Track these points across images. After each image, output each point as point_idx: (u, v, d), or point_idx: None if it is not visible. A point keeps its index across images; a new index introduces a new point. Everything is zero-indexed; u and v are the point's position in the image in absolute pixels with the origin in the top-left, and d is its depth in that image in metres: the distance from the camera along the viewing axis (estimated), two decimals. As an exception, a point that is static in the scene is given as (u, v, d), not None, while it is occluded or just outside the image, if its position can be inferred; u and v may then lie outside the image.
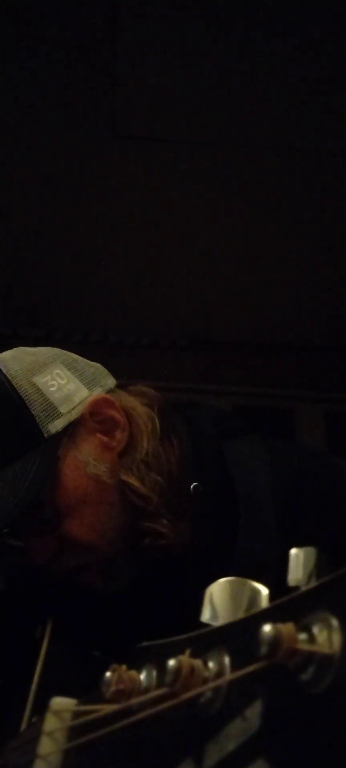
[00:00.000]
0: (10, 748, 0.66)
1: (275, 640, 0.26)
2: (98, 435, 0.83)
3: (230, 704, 0.28)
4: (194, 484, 0.81)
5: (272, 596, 0.33)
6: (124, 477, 0.80)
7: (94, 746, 0.37)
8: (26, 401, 0.81)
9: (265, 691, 0.27)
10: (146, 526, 0.79)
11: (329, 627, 0.26)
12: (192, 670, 0.30)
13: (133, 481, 0.80)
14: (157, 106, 2.04)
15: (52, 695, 0.48)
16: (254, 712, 0.27)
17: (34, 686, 0.73)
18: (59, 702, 0.46)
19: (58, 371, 0.85)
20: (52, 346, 0.92)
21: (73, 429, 0.82)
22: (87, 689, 0.49)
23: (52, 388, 0.83)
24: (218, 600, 0.35)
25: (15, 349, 0.89)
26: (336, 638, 0.26)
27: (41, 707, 0.57)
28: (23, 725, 0.68)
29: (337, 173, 2.22)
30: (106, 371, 0.90)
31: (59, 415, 0.81)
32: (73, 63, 1.93)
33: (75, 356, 0.89)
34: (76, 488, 0.80)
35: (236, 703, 0.28)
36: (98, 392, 0.85)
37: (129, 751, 0.34)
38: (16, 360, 0.85)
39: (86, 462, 0.81)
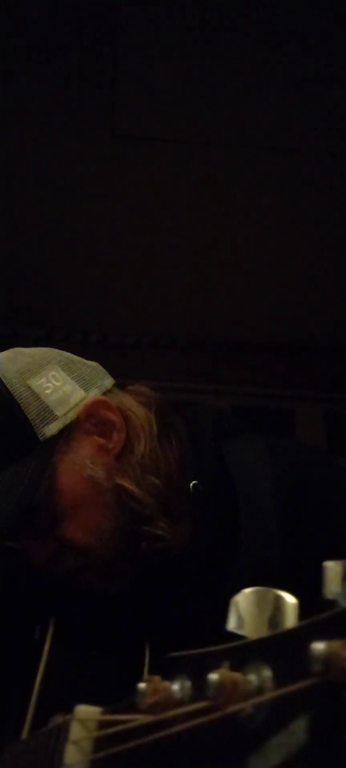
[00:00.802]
0: (13, 752, 0.65)
1: (330, 657, 0.26)
2: (95, 437, 0.82)
3: (275, 718, 0.28)
4: (194, 482, 0.81)
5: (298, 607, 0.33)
6: (119, 480, 0.80)
7: (124, 758, 0.37)
8: (21, 405, 0.80)
9: (312, 707, 0.27)
10: (143, 530, 0.78)
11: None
12: (235, 683, 0.30)
13: (129, 485, 0.79)
14: (158, 106, 2.04)
15: (53, 697, 0.48)
16: (300, 727, 0.27)
17: (36, 689, 0.73)
18: (84, 710, 0.45)
19: (53, 373, 0.84)
20: (52, 346, 0.92)
21: (69, 431, 0.81)
22: (88, 691, 0.49)
23: (48, 391, 0.82)
24: (244, 609, 0.35)
25: (11, 350, 0.88)
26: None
27: (43, 710, 0.56)
28: (26, 729, 0.68)
29: (337, 173, 2.22)
30: (103, 371, 0.89)
31: (55, 418, 0.81)
32: (73, 63, 1.93)
33: (72, 356, 0.88)
34: (73, 491, 0.80)
35: (281, 717, 0.28)
36: (95, 393, 0.85)
37: (163, 765, 0.33)
38: (12, 362, 0.84)
39: (82, 464, 0.81)
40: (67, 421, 0.81)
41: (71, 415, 0.82)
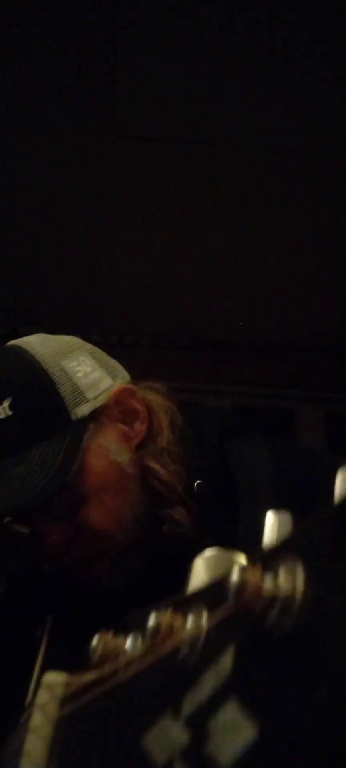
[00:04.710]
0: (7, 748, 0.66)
1: (241, 584, 0.28)
2: (119, 424, 0.85)
3: (206, 656, 0.30)
4: (198, 483, 0.82)
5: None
6: (149, 463, 0.82)
7: (83, 714, 0.38)
8: (56, 384, 0.82)
9: (235, 638, 0.29)
10: (166, 513, 0.80)
11: (293, 572, 0.28)
12: (171, 627, 0.31)
13: (159, 468, 0.81)
14: (158, 106, 2.04)
15: None
16: (225, 659, 0.29)
17: (32, 686, 0.73)
18: (52, 676, 0.46)
19: (83, 358, 0.87)
20: None
21: (97, 416, 0.84)
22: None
23: (79, 374, 0.84)
24: (201, 570, 0.36)
25: (37, 334, 0.91)
26: (299, 582, 0.27)
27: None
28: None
29: (337, 173, 2.22)
30: (121, 366, 0.92)
31: (86, 400, 0.83)
32: (74, 63, 1.93)
33: (95, 348, 0.92)
34: (99, 474, 0.81)
35: (211, 654, 0.29)
36: (119, 383, 0.88)
37: (115, 716, 0.34)
38: (43, 344, 0.86)
39: (108, 449, 0.83)
40: (97, 405, 0.84)
41: (100, 400, 0.84)
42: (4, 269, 2.68)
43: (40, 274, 2.71)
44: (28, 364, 0.84)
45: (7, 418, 0.80)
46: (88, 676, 0.38)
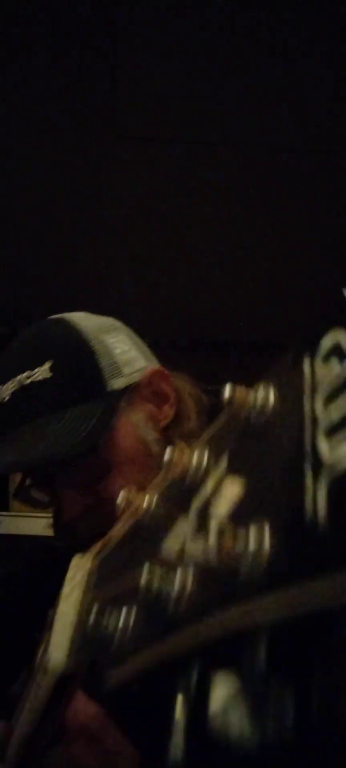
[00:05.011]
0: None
1: (232, 392, 0.36)
2: (149, 404, 0.89)
3: (209, 463, 0.36)
4: None
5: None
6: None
7: (114, 550, 0.46)
8: (95, 354, 0.88)
9: (231, 438, 0.35)
10: None
11: (267, 388, 0.33)
12: (180, 456, 0.41)
13: None
14: (158, 106, 2.04)
15: None
16: (223, 460, 0.35)
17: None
18: (78, 556, 0.53)
19: (122, 337, 0.94)
20: None
21: (130, 392, 0.88)
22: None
23: (117, 350, 0.90)
24: None
25: (80, 312, 0.98)
26: (272, 394, 0.33)
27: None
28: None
29: (337, 173, 2.22)
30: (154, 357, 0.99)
31: (122, 374, 0.88)
32: (73, 63, 1.93)
33: (133, 332, 0.99)
34: (126, 447, 0.85)
35: (213, 459, 0.36)
36: (153, 366, 0.94)
37: (141, 539, 0.41)
38: (86, 319, 0.94)
39: (137, 426, 0.87)
40: (131, 382, 0.89)
41: (134, 378, 0.90)
42: (4, 269, 2.68)
43: (40, 274, 2.70)
44: (71, 332, 0.91)
45: (47, 379, 0.86)
46: (114, 530, 0.46)
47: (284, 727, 0.34)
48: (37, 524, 2.61)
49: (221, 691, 0.35)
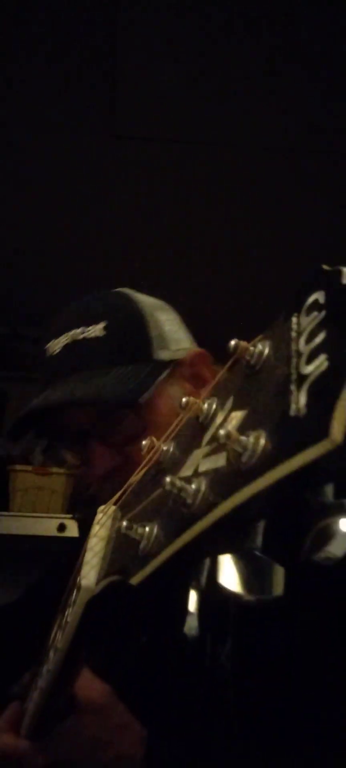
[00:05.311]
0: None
1: (236, 345, 0.43)
2: (187, 384, 0.95)
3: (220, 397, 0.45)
4: None
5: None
6: None
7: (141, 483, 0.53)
8: (147, 324, 0.96)
9: (235, 384, 0.43)
10: None
11: (264, 340, 0.42)
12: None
13: None
14: (158, 106, 2.04)
15: None
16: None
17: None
18: (102, 507, 0.60)
19: (172, 318, 1.03)
20: None
21: (173, 367, 0.95)
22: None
23: (166, 327, 0.99)
24: None
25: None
26: (267, 344, 0.43)
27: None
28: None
29: (338, 173, 2.22)
30: None
31: (168, 348, 0.96)
32: (73, 63, 1.93)
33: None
34: (163, 416, 0.90)
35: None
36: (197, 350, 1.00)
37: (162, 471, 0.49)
38: (141, 295, 1.03)
39: (174, 399, 0.92)
40: (175, 357, 0.96)
41: (179, 354, 0.97)
42: (4, 269, 2.68)
43: (40, 274, 2.71)
44: (128, 302, 1.00)
45: (99, 337, 0.93)
46: (134, 476, 0.55)
47: (276, 594, 0.45)
48: (38, 524, 2.62)
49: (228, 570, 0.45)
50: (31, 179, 2.30)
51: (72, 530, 2.49)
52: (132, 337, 0.95)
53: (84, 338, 0.94)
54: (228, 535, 0.39)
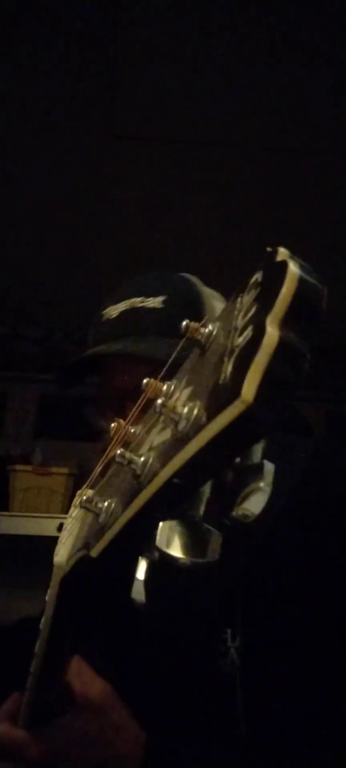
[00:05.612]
0: None
1: (187, 325, 0.45)
2: None
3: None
4: None
5: None
6: None
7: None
8: (204, 307, 1.00)
9: (190, 365, 0.48)
10: None
11: (214, 322, 0.45)
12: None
13: None
14: (158, 106, 2.04)
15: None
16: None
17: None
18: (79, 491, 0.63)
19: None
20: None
21: None
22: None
23: (218, 312, 1.00)
24: None
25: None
26: (215, 325, 0.45)
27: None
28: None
29: (338, 173, 2.22)
30: None
31: None
32: (74, 63, 1.93)
33: None
34: None
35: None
36: None
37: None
38: (201, 284, 1.08)
39: None
40: None
41: None
42: (4, 269, 2.68)
43: (40, 274, 2.71)
44: (189, 285, 1.05)
45: (157, 308, 0.98)
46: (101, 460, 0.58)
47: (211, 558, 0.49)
48: (37, 524, 2.62)
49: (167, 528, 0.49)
50: (31, 179, 2.30)
51: (72, 530, 2.49)
52: (187, 314, 0.98)
53: (143, 307, 0.98)
54: (174, 503, 0.42)
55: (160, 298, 0.99)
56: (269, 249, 0.43)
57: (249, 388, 0.33)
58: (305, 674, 0.82)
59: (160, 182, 2.30)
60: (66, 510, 2.53)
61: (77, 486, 2.79)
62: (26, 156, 2.22)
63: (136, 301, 1.00)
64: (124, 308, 1.00)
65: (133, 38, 1.87)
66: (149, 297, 1.00)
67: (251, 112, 2.06)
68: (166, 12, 1.80)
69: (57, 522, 2.42)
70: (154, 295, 1.00)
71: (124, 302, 1.01)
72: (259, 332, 0.34)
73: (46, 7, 1.79)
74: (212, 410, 0.36)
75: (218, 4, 1.79)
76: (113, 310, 1.01)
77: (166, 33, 1.86)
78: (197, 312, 0.99)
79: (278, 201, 2.36)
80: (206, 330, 0.44)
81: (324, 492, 0.92)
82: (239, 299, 0.43)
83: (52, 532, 2.39)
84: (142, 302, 0.99)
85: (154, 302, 0.99)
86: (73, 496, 2.75)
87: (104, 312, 1.04)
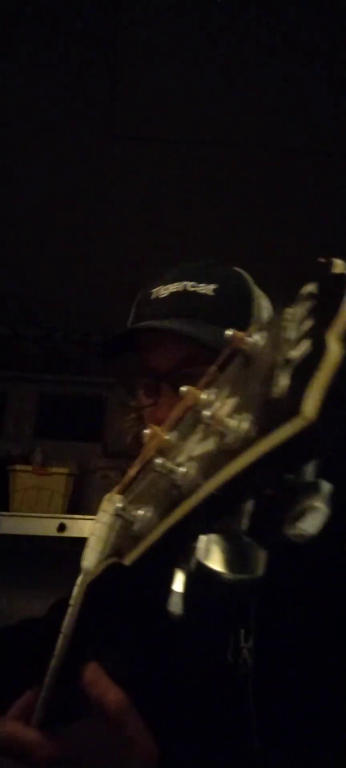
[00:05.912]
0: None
1: (233, 336, 0.45)
2: None
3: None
4: None
5: None
6: None
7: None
8: (252, 303, 1.03)
9: (232, 373, 0.45)
10: None
11: (260, 331, 0.44)
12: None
13: None
14: (158, 106, 2.04)
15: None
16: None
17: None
18: (107, 495, 0.61)
19: (271, 311, 1.07)
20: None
21: None
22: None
23: (265, 314, 1.05)
24: None
25: None
26: (263, 335, 0.44)
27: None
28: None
29: (338, 173, 2.22)
30: None
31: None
32: (74, 63, 1.93)
33: None
34: None
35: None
36: None
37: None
38: (252, 281, 1.09)
39: None
40: None
41: None
42: (4, 269, 2.68)
43: (40, 274, 2.71)
44: (241, 279, 1.06)
45: (208, 295, 0.99)
46: (133, 468, 0.57)
47: (256, 575, 0.48)
48: (37, 524, 2.62)
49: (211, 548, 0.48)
50: (31, 179, 2.30)
51: (72, 530, 2.49)
52: (237, 307, 1.00)
53: (194, 291, 0.99)
54: (215, 516, 0.41)
55: (212, 286, 1.00)
56: (321, 260, 0.42)
57: (311, 405, 0.32)
58: (319, 677, 0.81)
59: (161, 182, 2.30)
60: (66, 510, 2.53)
61: (77, 486, 2.79)
62: (26, 156, 2.22)
63: (188, 285, 1.01)
64: (175, 290, 1.01)
65: (133, 38, 1.87)
66: (202, 283, 1.01)
67: (251, 112, 2.06)
68: (167, 12, 1.80)
69: (57, 522, 2.42)
70: (207, 282, 1.01)
71: (175, 284, 1.02)
72: (319, 347, 0.34)
73: (46, 7, 1.79)
74: (265, 425, 0.35)
75: (218, 4, 1.79)
76: (163, 290, 1.02)
77: (167, 33, 1.86)
78: (246, 308, 1.01)
79: (278, 201, 2.36)
80: (251, 340, 0.43)
81: None
82: (288, 311, 0.43)
83: (52, 532, 2.39)
84: (194, 287, 1.00)
85: (206, 289, 1.00)
86: (73, 496, 2.75)
87: (153, 290, 1.04)
